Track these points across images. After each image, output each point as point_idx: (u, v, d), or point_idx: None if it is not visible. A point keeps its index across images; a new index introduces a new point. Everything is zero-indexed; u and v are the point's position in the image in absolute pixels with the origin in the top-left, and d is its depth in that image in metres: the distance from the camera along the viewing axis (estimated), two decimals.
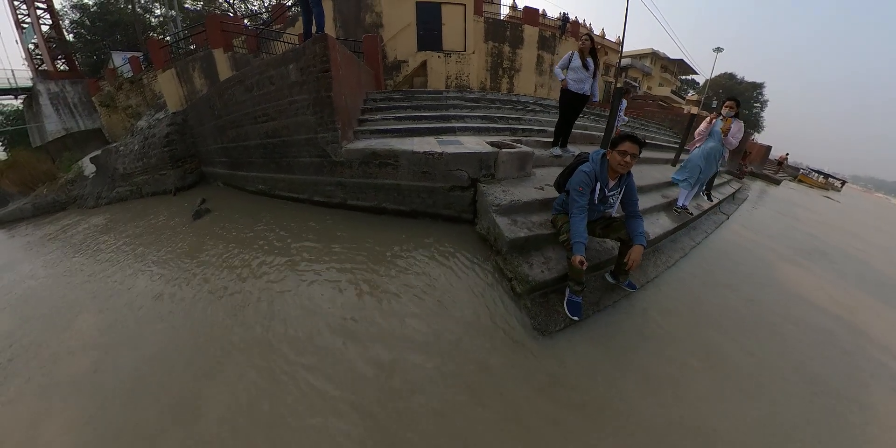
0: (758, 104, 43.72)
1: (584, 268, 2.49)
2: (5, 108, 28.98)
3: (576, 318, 2.64)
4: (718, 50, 32.42)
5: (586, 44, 4.63)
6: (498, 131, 6.04)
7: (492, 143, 4.48)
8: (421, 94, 8.00)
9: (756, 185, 12.36)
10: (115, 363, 2.83)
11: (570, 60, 4.70)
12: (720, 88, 43.13)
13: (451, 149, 4.08)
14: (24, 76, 23.83)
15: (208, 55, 9.57)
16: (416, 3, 11.73)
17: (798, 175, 23.13)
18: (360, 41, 9.30)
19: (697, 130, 4.71)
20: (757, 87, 43.69)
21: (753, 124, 43.10)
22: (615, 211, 3.03)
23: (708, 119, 4.63)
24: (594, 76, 4.75)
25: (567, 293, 2.75)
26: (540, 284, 2.83)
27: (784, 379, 2.50)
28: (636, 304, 3.08)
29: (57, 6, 23.96)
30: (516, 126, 6.52)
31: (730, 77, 44.79)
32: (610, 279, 3.16)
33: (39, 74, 23.10)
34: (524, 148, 4.27)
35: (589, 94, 4.81)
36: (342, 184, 4.78)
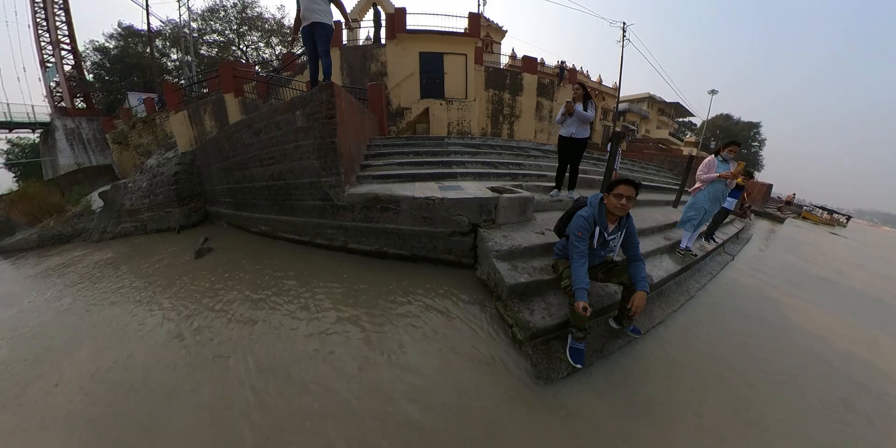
0: (756, 143, 44.50)
1: (588, 314, 2.42)
2: (21, 141, 29.98)
3: (579, 366, 2.55)
4: (713, 92, 33.33)
5: (579, 93, 4.76)
6: (499, 176, 6.12)
7: (492, 189, 4.54)
8: (423, 140, 8.20)
9: (760, 224, 12.31)
10: (108, 401, 2.74)
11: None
12: (717, 129, 44.13)
13: (451, 194, 4.12)
14: (43, 112, 25.07)
15: (219, 99, 9.94)
16: (420, 53, 12.32)
17: (802, 212, 22.97)
18: (365, 89, 9.66)
19: (703, 176, 4.58)
20: (754, 126, 44.61)
21: (753, 163, 43.72)
22: (616, 255, 3.00)
23: (706, 161, 4.59)
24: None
25: (569, 340, 2.68)
26: (541, 331, 2.76)
27: (806, 428, 2.36)
28: (642, 351, 2.97)
29: (80, 48, 25.51)
30: (517, 171, 6.61)
31: (726, 118, 45.91)
32: (614, 324, 3.08)
33: (58, 111, 24.31)
34: (524, 193, 4.31)
35: (587, 137, 4.94)
36: (344, 227, 4.81)
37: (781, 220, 14.98)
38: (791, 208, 21.75)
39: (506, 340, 2.87)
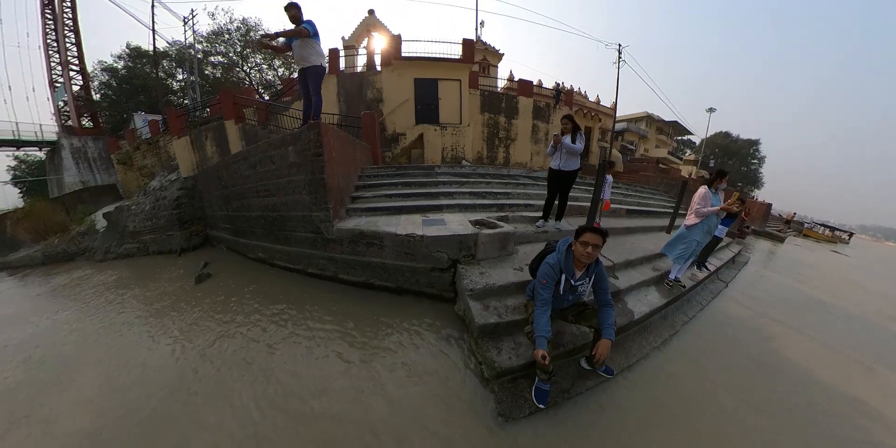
0: (755, 161, 44.48)
1: (547, 362, 2.43)
2: (28, 159, 30.50)
3: (541, 406, 2.58)
4: (711, 110, 33.44)
5: (567, 126, 4.76)
6: (485, 208, 6.13)
7: (475, 222, 4.64)
8: (414, 170, 8.28)
9: (759, 245, 12.20)
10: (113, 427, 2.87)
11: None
12: (716, 147, 44.23)
13: (431, 231, 4.23)
14: (51, 130, 25.52)
15: (220, 126, 10.25)
16: (415, 79, 12.56)
17: (803, 230, 22.82)
18: (359, 117, 9.82)
19: (702, 210, 4.36)
20: (753, 143, 44.57)
21: (752, 180, 43.67)
22: (586, 297, 2.99)
23: (702, 193, 4.37)
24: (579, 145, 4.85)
25: (536, 380, 2.70)
26: (506, 370, 2.81)
27: None
28: (614, 391, 2.92)
29: (88, 68, 26.19)
30: (504, 201, 6.59)
31: (725, 135, 45.96)
32: (585, 365, 3.06)
33: (65, 130, 24.81)
34: (505, 228, 4.40)
35: (577, 169, 4.98)
36: (334, 259, 4.96)
37: (782, 240, 14.92)
38: (792, 227, 21.65)
39: (476, 377, 2.94)
